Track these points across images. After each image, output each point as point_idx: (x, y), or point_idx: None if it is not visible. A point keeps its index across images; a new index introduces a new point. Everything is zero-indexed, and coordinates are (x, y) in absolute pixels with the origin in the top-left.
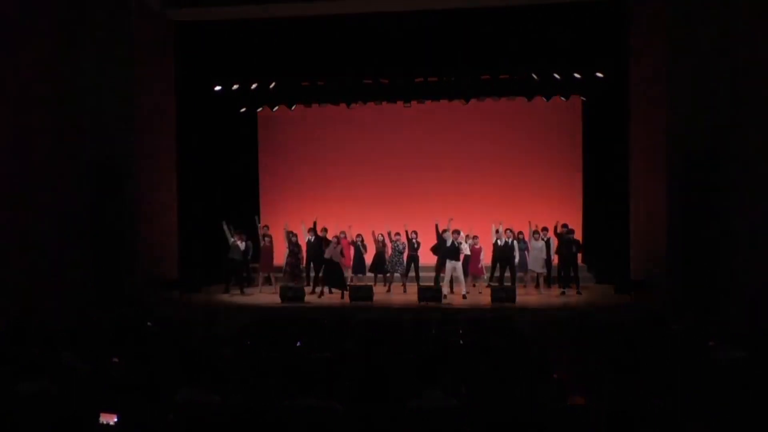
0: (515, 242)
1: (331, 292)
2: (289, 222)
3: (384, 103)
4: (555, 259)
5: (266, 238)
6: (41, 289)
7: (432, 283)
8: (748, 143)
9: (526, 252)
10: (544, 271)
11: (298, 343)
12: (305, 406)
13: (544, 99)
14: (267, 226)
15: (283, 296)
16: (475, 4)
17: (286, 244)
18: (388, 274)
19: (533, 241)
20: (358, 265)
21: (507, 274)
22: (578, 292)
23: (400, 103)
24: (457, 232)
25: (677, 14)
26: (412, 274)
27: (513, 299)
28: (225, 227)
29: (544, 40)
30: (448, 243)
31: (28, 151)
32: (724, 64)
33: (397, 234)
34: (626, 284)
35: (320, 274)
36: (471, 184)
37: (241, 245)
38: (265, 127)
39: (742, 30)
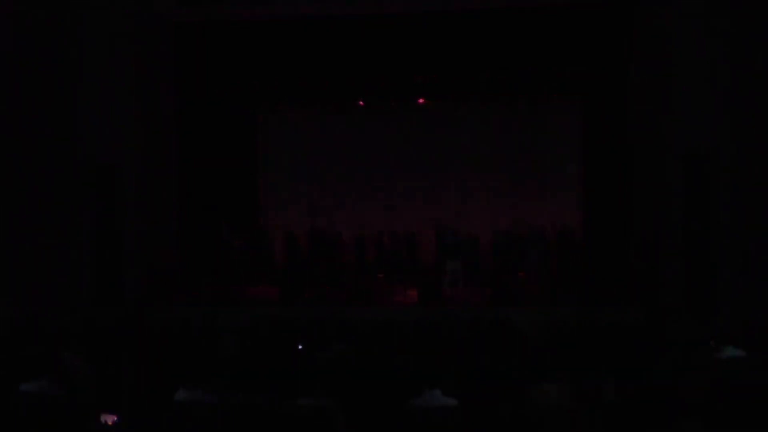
0: (514, 242)
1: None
2: (291, 222)
3: (384, 103)
4: (554, 259)
5: (263, 240)
6: (41, 289)
7: (432, 284)
8: (749, 143)
9: (524, 252)
10: (543, 270)
11: (300, 347)
12: (305, 406)
13: (544, 99)
14: (258, 230)
15: (281, 297)
16: (475, 5)
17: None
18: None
19: (532, 241)
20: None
21: (506, 274)
22: (578, 293)
23: (400, 103)
24: (456, 232)
25: (677, 14)
26: None
27: (513, 299)
28: (223, 230)
29: (544, 40)
30: (448, 243)
31: (27, 151)
32: (724, 63)
33: (396, 235)
34: (627, 284)
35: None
36: (471, 183)
37: (239, 246)
38: (265, 127)
39: (742, 29)
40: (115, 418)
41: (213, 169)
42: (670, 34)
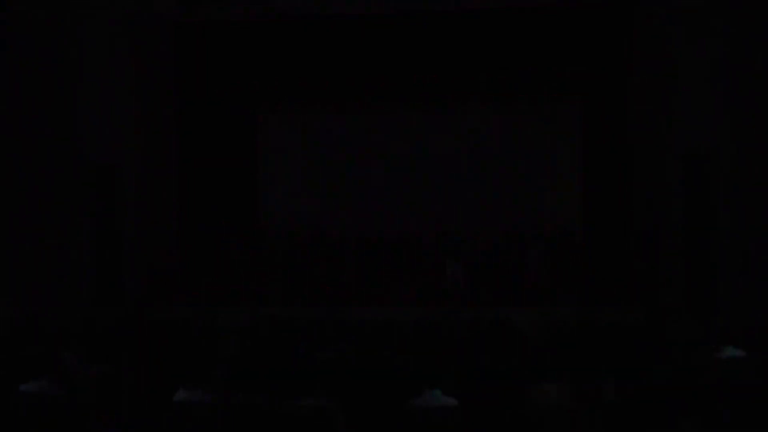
0: (514, 242)
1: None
2: (291, 222)
3: (384, 103)
4: (554, 259)
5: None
6: (41, 289)
7: (432, 283)
8: (749, 143)
9: (524, 252)
10: (543, 270)
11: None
12: (305, 406)
13: (544, 99)
14: (258, 230)
15: (281, 297)
16: (475, 5)
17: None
18: None
19: (532, 241)
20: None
21: (507, 274)
22: (578, 293)
23: (400, 104)
24: (456, 232)
25: (677, 14)
26: None
27: (513, 299)
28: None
29: (544, 40)
30: (448, 243)
31: (27, 151)
32: (724, 63)
33: (396, 235)
34: (627, 284)
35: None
36: (470, 183)
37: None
38: (265, 127)
39: (742, 29)
40: (115, 418)
41: (213, 169)
42: (670, 34)
